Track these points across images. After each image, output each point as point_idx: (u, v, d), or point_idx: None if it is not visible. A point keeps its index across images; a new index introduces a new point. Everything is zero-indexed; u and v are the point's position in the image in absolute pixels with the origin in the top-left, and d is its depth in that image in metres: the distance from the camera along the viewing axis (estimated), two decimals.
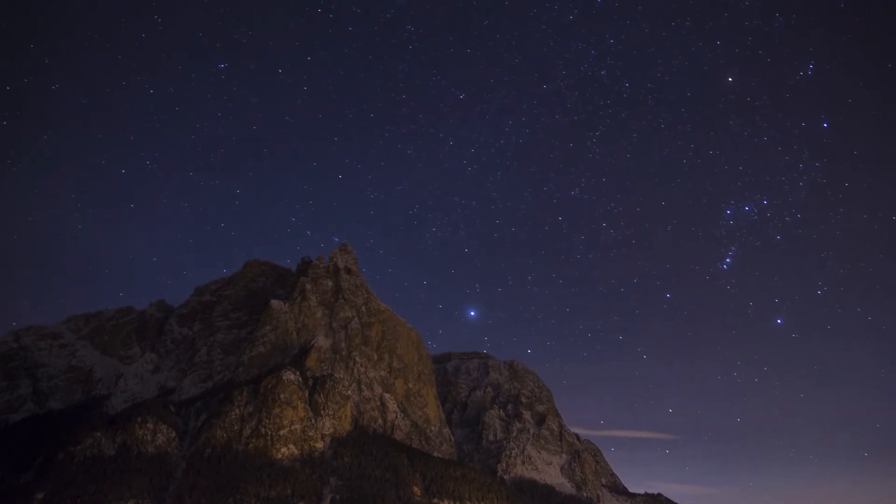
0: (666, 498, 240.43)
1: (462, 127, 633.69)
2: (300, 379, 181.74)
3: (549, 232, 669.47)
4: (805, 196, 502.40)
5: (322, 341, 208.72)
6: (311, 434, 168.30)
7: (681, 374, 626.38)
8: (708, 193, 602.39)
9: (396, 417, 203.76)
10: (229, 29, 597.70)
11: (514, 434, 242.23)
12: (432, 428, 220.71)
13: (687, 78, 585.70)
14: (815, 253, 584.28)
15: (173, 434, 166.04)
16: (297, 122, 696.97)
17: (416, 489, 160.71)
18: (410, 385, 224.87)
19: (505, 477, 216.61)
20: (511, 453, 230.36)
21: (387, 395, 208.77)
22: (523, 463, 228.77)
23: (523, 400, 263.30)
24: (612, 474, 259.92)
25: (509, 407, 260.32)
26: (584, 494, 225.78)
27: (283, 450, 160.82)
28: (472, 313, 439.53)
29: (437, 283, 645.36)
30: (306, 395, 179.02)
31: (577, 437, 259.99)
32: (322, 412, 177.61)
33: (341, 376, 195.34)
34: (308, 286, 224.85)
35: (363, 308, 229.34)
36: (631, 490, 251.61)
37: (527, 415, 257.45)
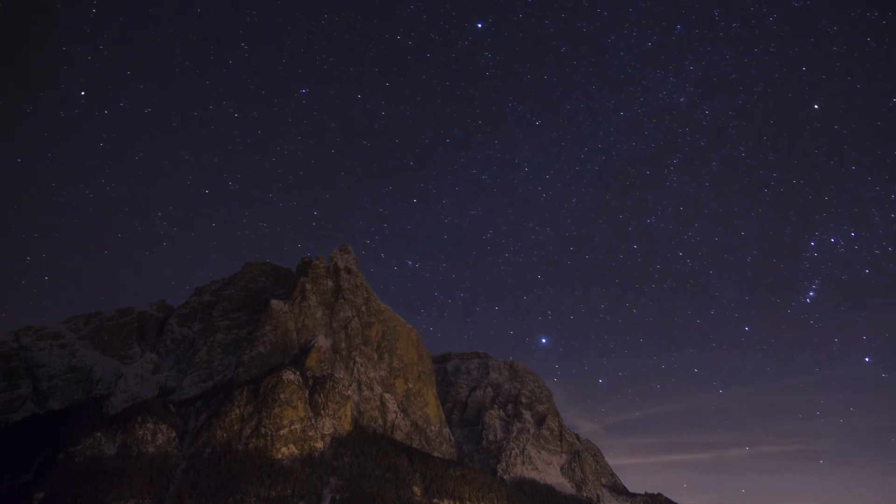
0: (666, 498, 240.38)
1: (538, 153, 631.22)
2: (300, 379, 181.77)
3: (623, 260, 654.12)
4: None
5: (322, 341, 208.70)
6: (311, 434, 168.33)
7: (759, 412, 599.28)
8: (791, 224, 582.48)
9: (396, 417, 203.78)
10: (311, 56, 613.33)
11: (514, 434, 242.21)
12: (432, 428, 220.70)
13: (770, 105, 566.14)
14: None
15: (173, 434, 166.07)
16: (374, 147, 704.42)
17: (416, 489, 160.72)
18: (410, 385, 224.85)
19: (505, 477, 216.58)
20: (511, 453, 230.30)
21: (387, 395, 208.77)
22: (523, 463, 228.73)
23: (523, 400, 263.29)
24: (612, 474, 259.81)
25: (509, 407, 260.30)
26: (584, 494, 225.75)
27: (283, 450, 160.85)
28: (544, 341, 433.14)
29: (508, 309, 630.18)
30: (306, 395, 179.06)
31: (577, 437, 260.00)
32: (322, 412, 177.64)
33: (341, 376, 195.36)
34: (308, 286, 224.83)
35: (363, 308, 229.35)
36: (631, 490, 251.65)
37: (527, 415, 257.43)
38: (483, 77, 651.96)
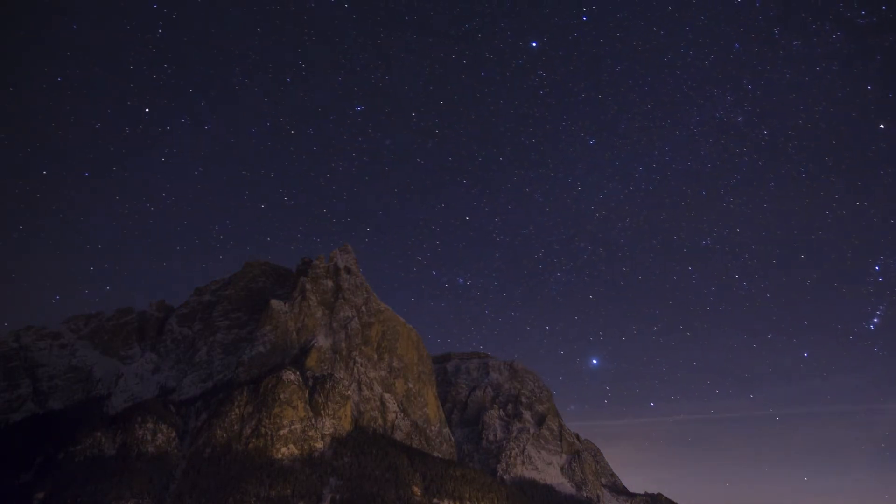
0: (666, 498, 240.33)
1: (591, 172, 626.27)
2: (300, 379, 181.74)
3: (677, 282, 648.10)
4: None
5: (322, 341, 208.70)
6: (311, 434, 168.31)
7: (819, 441, 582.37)
8: (853, 247, 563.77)
9: (396, 417, 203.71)
10: (367, 74, 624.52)
11: (514, 434, 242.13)
12: (432, 428, 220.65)
13: (832, 125, 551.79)
14: None
15: (173, 434, 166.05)
16: (427, 164, 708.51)
17: (416, 489, 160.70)
18: (410, 385, 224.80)
19: (505, 477, 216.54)
20: (511, 453, 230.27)
21: (387, 395, 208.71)
22: (523, 463, 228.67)
23: (523, 400, 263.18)
24: (612, 474, 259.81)
25: (509, 407, 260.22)
26: (584, 494, 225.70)
27: (283, 450, 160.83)
28: (595, 362, 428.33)
29: (559, 329, 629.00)
30: (306, 395, 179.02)
31: (577, 436, 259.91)
32: (322, 412, 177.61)
33: (341, 376, 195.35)
34: (308, 286, 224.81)
35: (363, 308, 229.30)
36: (631, 490, 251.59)
37: (527, 415, 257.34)
38: (537, 96, 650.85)
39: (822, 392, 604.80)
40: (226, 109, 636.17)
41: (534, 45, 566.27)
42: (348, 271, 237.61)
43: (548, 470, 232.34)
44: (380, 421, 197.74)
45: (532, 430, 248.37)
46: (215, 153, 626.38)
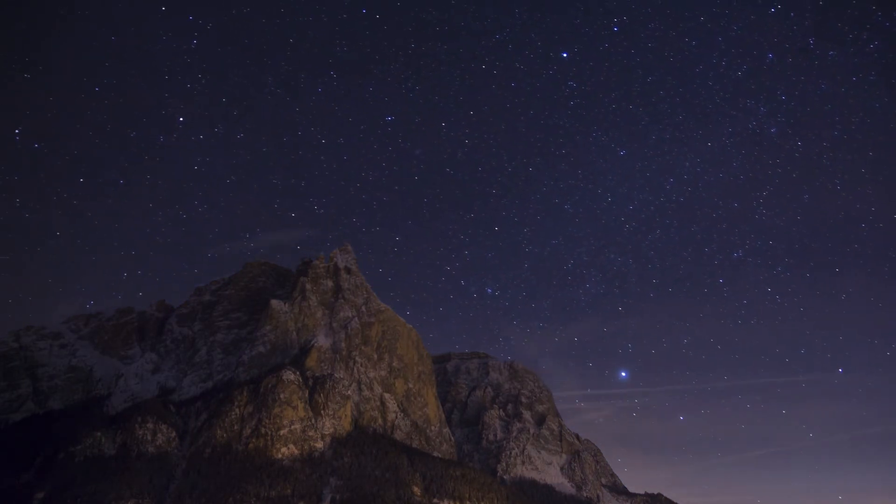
0: (666, 498, 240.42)
1: (621, 183, 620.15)
2: (300, 379, 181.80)
3: (708, 295, 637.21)
4: None
5: (322, 341, 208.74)
6: (311, 434, 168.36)
7: (855, 460, 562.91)
8: (890, 261, 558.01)
9: (396, 417, 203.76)
10: (397, 84, 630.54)
11: (514, 434, 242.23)
12: (432, 428, 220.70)
13: (869, 136, 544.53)
14: None
15: (173, 434, 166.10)
16: (456, 174, 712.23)
17: (416, 489, 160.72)
18: (410, 385, 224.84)
19: (505, 477, 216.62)
20: (511, 453, 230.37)
21: (387, 395, 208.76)
22: (523, 463, 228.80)
23: (523, 400, 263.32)
24: (612, 474, 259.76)
25: (509, 407, 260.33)
26: (584, 494, 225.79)
27: (283, 450, 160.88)
28: (624, 374, 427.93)
29: (588, 340, 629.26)
30: (306, 395, 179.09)
31: (577, 436, 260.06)
32: (322, 412, 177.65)
33: (341, 376, 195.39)
34: (308, 286, 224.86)
35: (363, 308, 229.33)
36: (631, 490, 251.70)
37: (527, 415, 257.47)
38: (567, 106, 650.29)
39: (858, 409, 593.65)
40: (258, 119, 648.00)
41: (564, 55, 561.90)
42: (348, 271, 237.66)
43: (548, 470, 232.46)
44: (380, 421, 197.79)
45: (532, 430, 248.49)
46: (247, 162, 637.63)
